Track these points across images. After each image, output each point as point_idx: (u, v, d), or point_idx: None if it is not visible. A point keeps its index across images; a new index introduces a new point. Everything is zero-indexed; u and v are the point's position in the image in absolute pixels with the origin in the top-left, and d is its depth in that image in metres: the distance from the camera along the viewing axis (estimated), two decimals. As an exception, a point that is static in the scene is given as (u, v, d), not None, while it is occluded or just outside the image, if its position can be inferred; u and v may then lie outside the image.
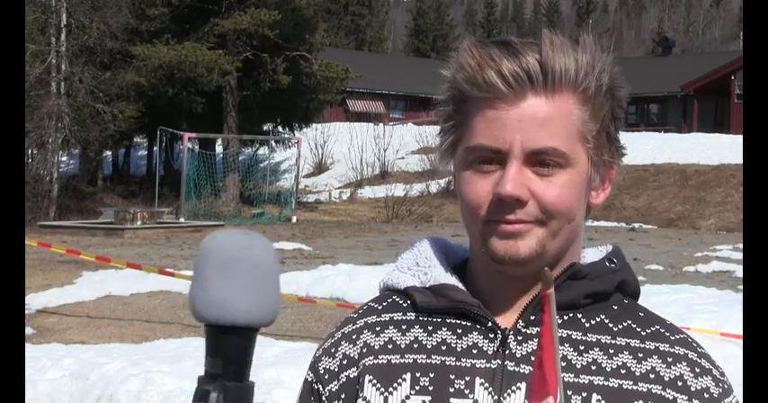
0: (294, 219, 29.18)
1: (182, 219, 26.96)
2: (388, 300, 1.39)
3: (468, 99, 1.27)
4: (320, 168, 42.04)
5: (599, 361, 1.27)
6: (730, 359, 7.29)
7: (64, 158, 35.88)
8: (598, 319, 1.30)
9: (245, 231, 1.03)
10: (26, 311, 11.14)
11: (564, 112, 1.24)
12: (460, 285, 1.33)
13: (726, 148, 32.93)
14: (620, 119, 1.31)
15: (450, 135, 1.31)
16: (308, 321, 10.88)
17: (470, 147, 1.26)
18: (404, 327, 1.34)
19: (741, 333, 7.65)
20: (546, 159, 1.23)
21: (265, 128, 38.28)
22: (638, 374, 1.26)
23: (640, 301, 1.37)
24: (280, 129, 39.21)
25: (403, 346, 1.32)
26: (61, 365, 7.37)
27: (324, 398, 1.35)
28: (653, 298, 10.72)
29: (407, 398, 1.28)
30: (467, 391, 1.26)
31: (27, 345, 8.65)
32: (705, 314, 9.26)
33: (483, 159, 1.25)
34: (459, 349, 1.29)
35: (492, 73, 1.23)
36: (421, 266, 1.37)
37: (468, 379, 1.27)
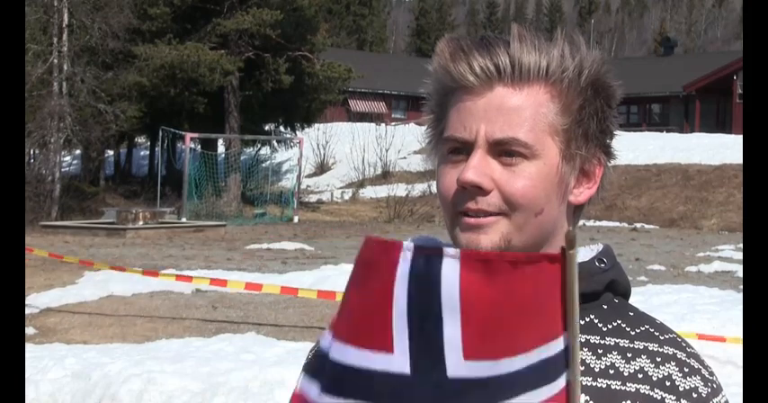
0: (296, 219, 29.20)
1: (184, 219, 26.98)
2: None
3: (446, 93, 1.28)
4: (322, 168, 42.05)
5: (587, 361, 1.26)
6: (730, 359, 7.29)
7: (66, 158, 35.93)
8: (587, 319, 1.30)
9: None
10: (28, 311, 11.15)
11: (532, 104, 1.24)
12: None
13: (728, 148, 32.92)
14: (608, 118, 1.30)
15: (432, 129, 1.32)
16: (310, 321, 10.89)
17: (443, 138, 1.28)
18: None
19: (722, 335, 7.63)
20: (509, 149, 1.23)
21: (267, 128, 38.29)
22: (626, 374, 1.25)
23: (643, 302, 1.37)
24: (282, 129, 39.23)
25: None
26: (63, 365, 7.38)
27: None
28: (655, 298, 10.71)
29: None
30: None
31: (29, 345, 8.67)
32: (707, 314, 9.26)
33: (454, 150, 1.26)
34: None
35: (462, 64, 1.24)
36: None
37: None
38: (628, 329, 1.30)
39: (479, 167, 1.22)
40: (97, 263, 12.43)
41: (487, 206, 1.23)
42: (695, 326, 8.43)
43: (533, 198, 1.24)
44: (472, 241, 1.24)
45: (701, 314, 9.30)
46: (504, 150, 1.23)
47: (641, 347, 1.28)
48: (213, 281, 11.15)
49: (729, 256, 18.48)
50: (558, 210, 1.29)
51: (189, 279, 11.58)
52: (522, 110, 1.24)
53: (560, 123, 1.26)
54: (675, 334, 1.33)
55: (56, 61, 29.39)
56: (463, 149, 1.25)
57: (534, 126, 1.24)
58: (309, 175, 40.57)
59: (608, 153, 1.32)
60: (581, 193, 1.31)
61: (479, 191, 1.23)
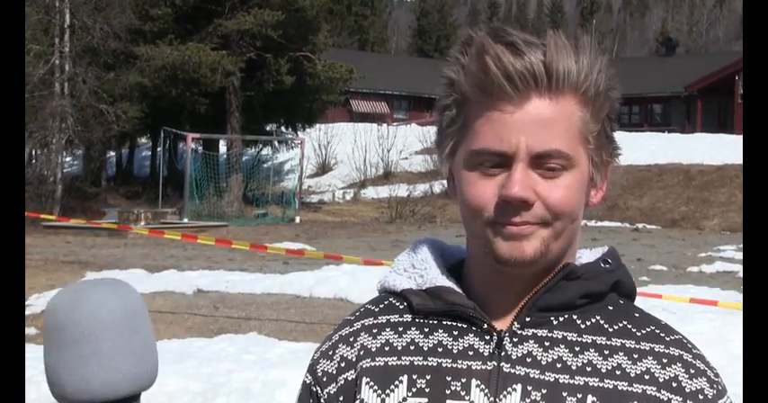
0: (298, 219, 29.20)
1: (185, 220, 26.99)
2: (385, 302, 1.40)
3: (471, 101, 1.26)
4: (324, 169, 42.06)
5: (594, 362, 1.27)
6: (732, 359, 7.28)
7: (68, 159, 35.96)
8: (593, 320, 1.31)
9: (81, 287, 0.89)
10: (30, 311, 11.15)
11: (567, 114, 1.24)
12: (456, 287, 1.33)
13: (729, 149, 32.92)
14: (615, 119, 1.32)
15: (451, 138, 1.30)
16: (312, 322, 10.89)
17: (474, 150, 1.25)
18: (400, 329, 1.35)
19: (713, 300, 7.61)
20: (550, 161, 1.24)
21: (269, 128, 38.30)
22: (633, 375, 1.26)
23: (646, 302, 1.37)
24: (283, 129, 39.25)
25: (399, 348, 1.32)
26: (64, 365, 7.37)
27: (322, 401, 1.36)
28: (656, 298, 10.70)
29: (404, 400, 1.28)
30: (463, 393, 1.27)
31: (31, 346, 8.66)
32: (709, 314, 9.25)
33: (487, 162, 1.25)
34: (455, 351, 1.30)
35: (497, 75, 1.22)
36: (417, 268, 1.38)
37: (464, 380, 1.27)
38: (634, 330, 1.31)
39: (524, 181, 1.22)
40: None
41: (532, 218, 1.24)
42: (697, 326, 8.43)
43: (573, 206, 1.26)
44: (516, 249, 1.24)
45: (703, 314, 9.29)
46: (544, 162, 1.23)
47: (647, 348, 1.29)
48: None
49: (731, 257, 18.48)
50: (582, 213, 1.31)
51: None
52: (558, 120, 1.24)
53: (590, 131, 1.27)
54: (681, 335, 1.34)
55: (57, 62, 29.40)
56: (498, 161, 1.24)
57: (570, 136, 1.25)
58: (311, 176, 40.58)
59: (616, 153, 1.34)
60: (595, 195, 1.33)
61: (524, 205, 1.23)
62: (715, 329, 8.45)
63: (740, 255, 18.46)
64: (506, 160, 1.24)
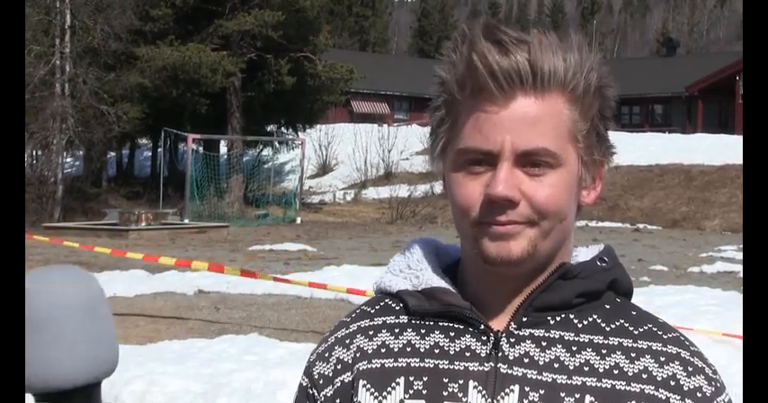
0: (298, 220, 29.22)
1: (186, 221, 27.00)
2: (381, 304, 1.39)
3: (459, 100, 1.26)
4: (324, 169, 42.09)
5: (591, 361, 1.26)
6: (733, 359, 7.28)
7: (68, 160, 35.96)
8: (590, 319, 1.30)
9: (39, 272, 0.92)
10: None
11: (553, 112, 1.23)
12: (452, 288, 1.32)
13: (730, 149, 32.92)
14: (610, 118, 1.31)
15: (441, 137, 1.30)
16: (313, 322, 10.89)
17: (461, 149, 1.25)
18: (396, 331, 1.34)
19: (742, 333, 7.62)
20: (536, 160, 1.23)
21: (269, 129, 38.35)
22: (630, 374, 1.26)
23: (646, 302, 1.37)
24: (284, 130, 39.29)
25: (396, 350, 1.32)
26: (65, 366, 7.37)
27: None
28: (657, 299, 10.71)
29: (401, 402, 1.28)
30: (460, 394, 1.26)
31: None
32: (709, 315, 9.26)
33: (473, 161, 1.25)
34: (451, 352, 1.29)
35: (482, 73, 1.22)
36: (412, 269, 1.37)
37: (461, 382, 1.27)
38: (631, 329, 1.30)
39: (509, 181, 1.22)
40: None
41: (518, 217, 1.23)
42: (698, 327, 8.42)
43: (562, 206, 1.25)
44: (503, 249, 1.23)
45: (704, 315, 9.29)
46: (530, 161, 1.23)
47: (645, 347, 1.28)
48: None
49: (732, 257, 18.48)
50: (574, 213, 1.30)
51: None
52: (544, 119, 1.23)
53: (579, 130, 1.26)
54: (678, 332, 1.33)
55: (58, 62, 29.42)
56: (484, 160, 1.24)
57: (559, 135, 1.24)
58: (312, 176, 40.60)
59: (610, 152, 1.33)
60: (588, 195, 1.32)
61: (510, 204, 1.22)
62: (715, 329, 8.44)
63: (741, 256, 18.46)
64: (492, 159, 1.23)
